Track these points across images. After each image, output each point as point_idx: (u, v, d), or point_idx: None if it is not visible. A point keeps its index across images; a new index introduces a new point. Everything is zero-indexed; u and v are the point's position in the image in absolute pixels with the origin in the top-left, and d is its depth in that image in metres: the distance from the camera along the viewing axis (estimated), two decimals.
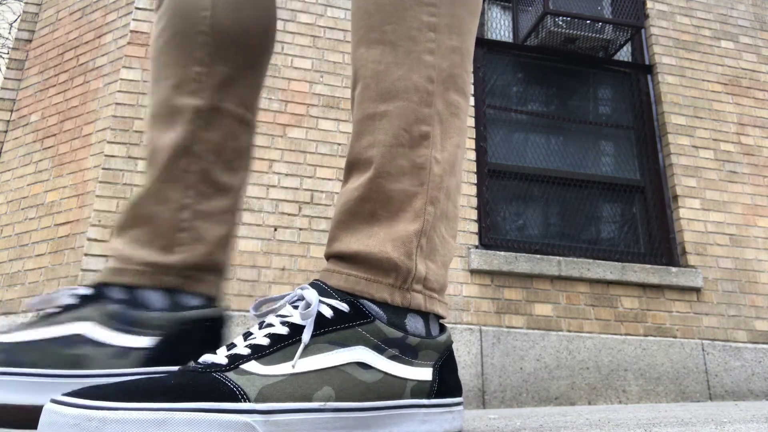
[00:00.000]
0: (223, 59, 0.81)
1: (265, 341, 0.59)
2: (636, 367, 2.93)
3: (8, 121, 3.24)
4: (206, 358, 0.59)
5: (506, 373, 2.75)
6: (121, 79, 2.82)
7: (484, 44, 3.55)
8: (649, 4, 3.76)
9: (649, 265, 3.13)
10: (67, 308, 0.70)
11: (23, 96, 3.26)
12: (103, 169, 2.67)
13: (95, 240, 2.55)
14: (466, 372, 2.70)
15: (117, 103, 2.78)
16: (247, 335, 0.62)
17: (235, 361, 0.57)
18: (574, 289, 3.01)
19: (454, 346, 2.72)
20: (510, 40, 3.70)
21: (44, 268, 2.67)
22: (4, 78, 3.34)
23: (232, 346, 0.61)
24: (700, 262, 3.23)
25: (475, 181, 3.12)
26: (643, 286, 3.11)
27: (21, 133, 3.15)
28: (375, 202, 0.66)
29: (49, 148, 2.99)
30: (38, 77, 3.25)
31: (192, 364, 0.59)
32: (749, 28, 3.90)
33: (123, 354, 0.67)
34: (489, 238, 3.11)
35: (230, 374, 0.56)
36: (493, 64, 3.58)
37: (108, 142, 2.71)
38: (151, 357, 0.68)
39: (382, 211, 0.66)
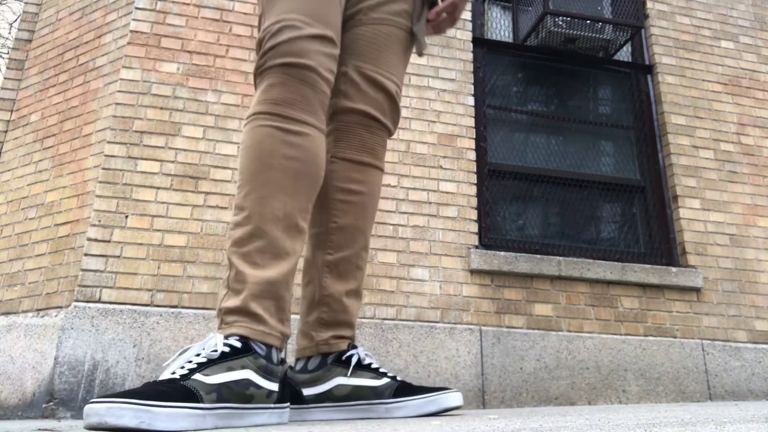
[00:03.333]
0: None
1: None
2: (636, 367, 2.93)
3: (8, 121, 3.24)
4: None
5: (506, 373, 2.75)
6: (121, 79, 2.82)
7: (484, 44, 3.55)
8: (649, 4, 3.76)
9: (649, 265, 3.13)
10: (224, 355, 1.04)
11: (23, 96, 3.26)
12: (103, 169, 2.67)
13: (95, 240, 2.55)
14: (466, 372, 2.70)
15: (117, 103, 2.78)
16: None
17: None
18: (574, 289, 3.01)
19: (454, 345, 2.73)
20: (510, 40, 3.70)
21: (44, 268, 2.67)
22: (4, 78, 3.34)
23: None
24: (700, 262, 3.23)
25: (475, 181, 3.12)
26: (643, 286, 3.11)
27: (21, 133, 3.15)
28: None
29: (49, 148, 2.99)
30: (38, 77, 3.25)
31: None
32: (749, 28, 3.90)
33: (270, 395, 1.05)
34: (489, 238, 3.11)
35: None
36: (493, 64, 3.58)
37: (108, 142, 2.71)
38: (279, 397, 1.07)
39: None
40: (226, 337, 1.03)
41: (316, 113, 1.17)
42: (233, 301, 1.05)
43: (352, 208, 1.33)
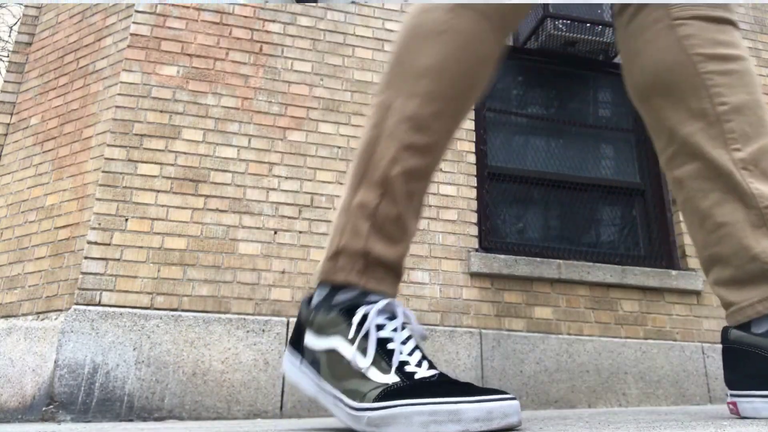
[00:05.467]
0: None
1: None
2: (636, 370, 2.92)
3: (8, 124, 3.25)
4: None
5: (506, 377, 2.75)
6: (121, 82, 2.82)
7: None
8: None
9: (649, 268, 3.12)
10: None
11: (23, 99, 3.26)
12: (103, 172, 2.67)
13: (95, 243, 2.55)
14: (466, 375, 2.69)
15: (117, 106, 2.78)
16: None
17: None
18: (574, 292, 3.01)
19: (454, 348, 2.72)
20: (510, 43, 3.70)
21: (44, 271, 2.67)
22: (4, 81, 3.34)
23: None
24: (700, 265, 3.22)
25: (475, 184, 3.12)
26: (643, 289, 3.11)
27: (21, 136, 3.16)
28: None
29: (49, 151, 2.99)
30: (38, 80, 3.25)
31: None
32: (749, 31, 3.91)
33: None
34: (489, 241, 3.11)
35: None
36: None
37: (108, 145, 2.71)
38: None
39: None
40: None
41: None
42: (391, 250, 0.86)
43: (737, 78, 0.95)
